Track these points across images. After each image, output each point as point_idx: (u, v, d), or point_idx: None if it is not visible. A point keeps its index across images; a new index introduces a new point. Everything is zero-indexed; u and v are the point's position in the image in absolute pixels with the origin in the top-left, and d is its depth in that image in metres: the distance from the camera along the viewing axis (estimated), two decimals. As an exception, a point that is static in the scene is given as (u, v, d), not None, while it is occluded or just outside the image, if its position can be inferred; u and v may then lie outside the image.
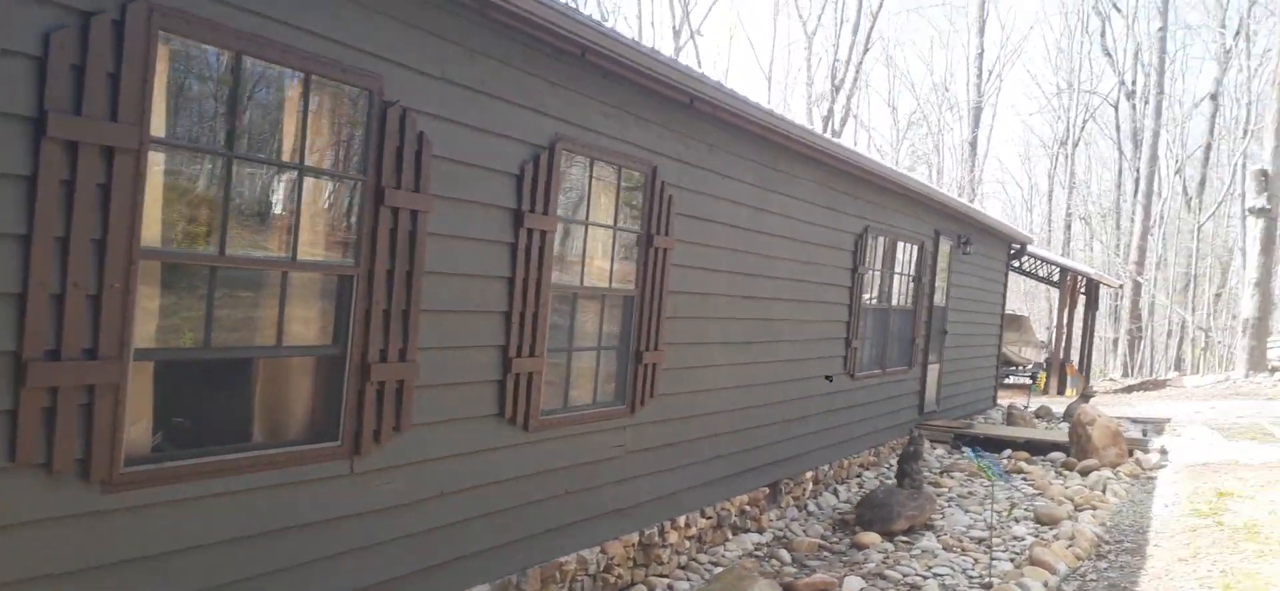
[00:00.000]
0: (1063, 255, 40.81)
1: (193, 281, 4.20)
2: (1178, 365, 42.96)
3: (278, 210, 4.52)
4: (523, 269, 5.85)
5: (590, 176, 6.59)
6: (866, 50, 40.14)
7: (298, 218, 4.51)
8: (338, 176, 4.76)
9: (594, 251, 6.79)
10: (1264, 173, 29.12)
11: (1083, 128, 45.67)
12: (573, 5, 5.83)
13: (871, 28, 39.63)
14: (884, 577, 8.01)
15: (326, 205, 4.77)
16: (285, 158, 4.48)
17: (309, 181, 4.61)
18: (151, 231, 3.87)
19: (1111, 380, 33.63)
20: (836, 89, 39.29)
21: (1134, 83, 42.78)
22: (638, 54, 6.29)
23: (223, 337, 4.39)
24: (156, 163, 3.87)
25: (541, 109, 5.89)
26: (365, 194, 4.75)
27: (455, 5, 5.14)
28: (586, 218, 6.62)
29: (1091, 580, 8.12)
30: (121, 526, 3.81)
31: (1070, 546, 8.89)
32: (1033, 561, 8.30)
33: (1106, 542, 9.31)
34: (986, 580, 7.93)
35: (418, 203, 4.97)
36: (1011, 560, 8.58)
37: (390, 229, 4.86)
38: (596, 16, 5.47)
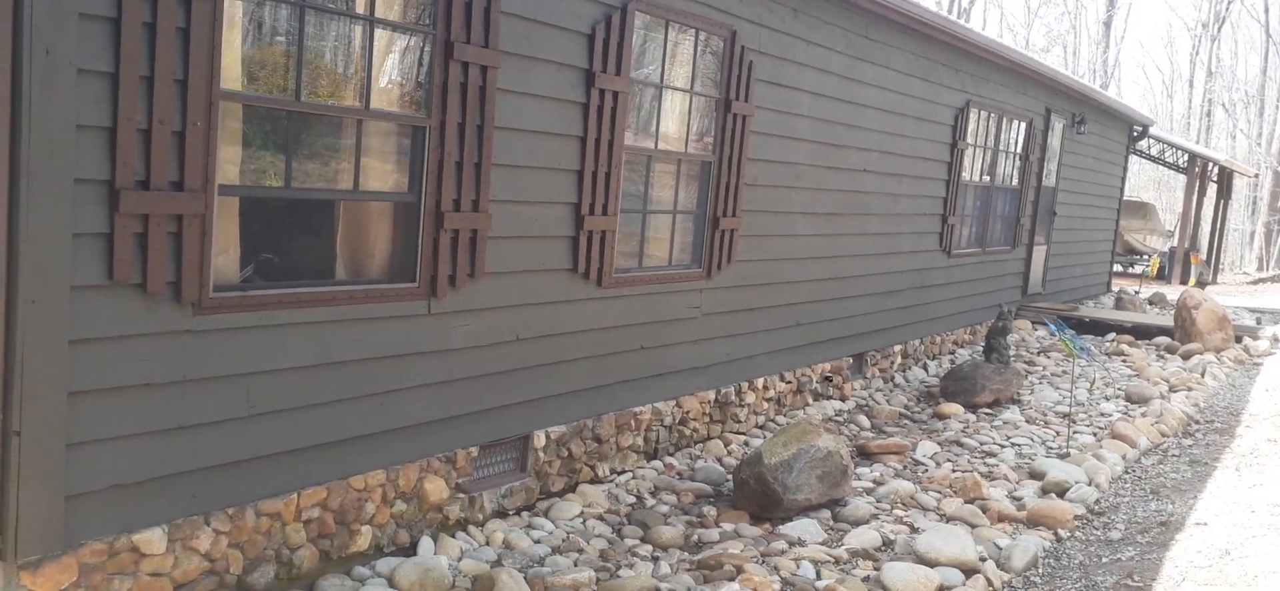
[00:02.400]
0: (1202, 143, 38.94)
1: (273, 125, 4.54)
2: (1320, 260, 40.82)
3: (352, 61, 4.80)
4: (595, 129, 6.05)
5: (666, 38, 6.71)
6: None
7: (370, 68, 4.80)
8: (408, 30, 5.01)
9: (670, 115, 6.94)
10: None
11: (1228, 8, 43.04)
12: None
13: (1002, -98, 37.87)
14: (960, 444, 8.13)
15: (399, 58, 5.04)
16: (358, 9, 4.75)
17: (381, 33, 4.87)
18: (232, 76, 4.20)
19: (1244, 272, 32.27)
20: (964, -34, 37.85)
21: (1289, -41, 40.03)
22: (712, -85, 6.33)
23: (304, 180, 4.73)
24: (234, 10, 4.17)
25: (614, -30, 6.01)
26: (435, 48, 4.99)
27: None
28: (662, 80, 6.75)
29: (1173, 455, 8.09)
30: (211, 346, 4.22)
31: (1156, 423, 8.83)
32: (1114, 435, 8.31)
33: (1196, 421, 9.21)
34: (1064, 450, 7.97)
35: (487, 58, 5.20)
36: (1094, 434, 8.58)
37: (460, 83, 5.11)
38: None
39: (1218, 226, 24.89)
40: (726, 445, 7.62)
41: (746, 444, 7.69)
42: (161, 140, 3.85)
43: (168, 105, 3.85)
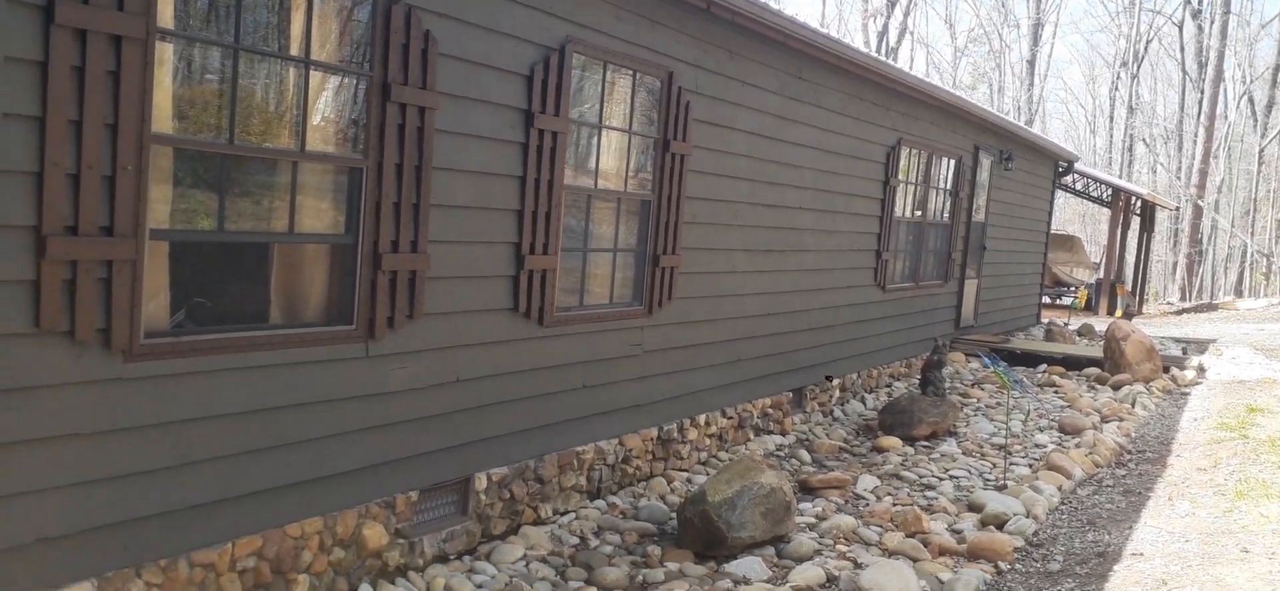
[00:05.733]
0: (1124, 177, 40.04)
1: (206, 169, 4.46)
2: (1238, 290, 42.17)
3: (287, 103, 4.74)
4: (535, 169, 6.04)
5: (604, 79, 6.73)
6: (924, -34, 39.43)
7: (305, 110, 4.74)
8: (345, 72, 4.97)
9: (609, 155, 6.95)
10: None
11: (1147, 47, 44.46)
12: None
13: (928, -56, 38.85)
14: (900, 477, 8.20)
15: (335, 99, 4.98)
16: (293, 52, 4.69)
17: (316, 75, 4.82)
18: (162, 119, 4.12)
19: (1168, 303, 33.14)
20: (892, 4, 38.69)
21: (1200, 1, 41.48)
22: (648, -44, 6.38)
23: (237, 223, 4.65)
24: (165, 53, 4.10)
25: (551, 10, 6.02)
26: (372, 89, 4.95)
27: (462, -93, 5.28)
28: (601, 120, 6.77)
29: (1107, 485, 8.23)
30: (142, 394, 4.11)
31: (1090, 454, 8.99)
32: (1050, 466, 8.44)
33: (1128, 452, 9.39)
34: (1001, 482, 8.07)
35: (425, 99, 5.17)
36: (1030, 465, 8.71)
37: (398, 124, 5.07)
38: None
39: (1142, 258, 25.54)
40: (669, 483, 7.60)
41: (689, 481, 7.68)
42: (91, 185, 3.76)
43: (97, 149, 3.76)
